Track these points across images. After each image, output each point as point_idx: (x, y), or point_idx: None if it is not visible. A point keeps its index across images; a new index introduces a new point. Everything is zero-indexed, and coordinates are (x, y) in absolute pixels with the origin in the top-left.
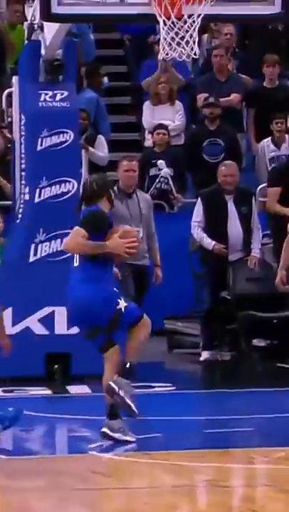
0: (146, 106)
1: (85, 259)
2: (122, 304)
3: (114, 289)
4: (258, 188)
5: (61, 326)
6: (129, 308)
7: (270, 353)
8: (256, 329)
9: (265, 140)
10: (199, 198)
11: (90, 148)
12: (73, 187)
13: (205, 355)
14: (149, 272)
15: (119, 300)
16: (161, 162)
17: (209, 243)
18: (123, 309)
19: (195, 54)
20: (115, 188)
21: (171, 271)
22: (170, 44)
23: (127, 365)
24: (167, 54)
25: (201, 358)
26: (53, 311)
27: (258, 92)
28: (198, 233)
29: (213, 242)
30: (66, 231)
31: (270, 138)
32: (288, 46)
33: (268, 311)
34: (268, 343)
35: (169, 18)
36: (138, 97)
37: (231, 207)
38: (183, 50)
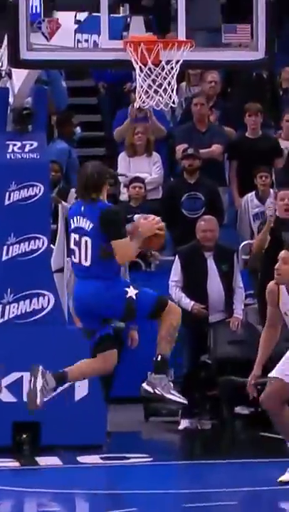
0: (122, 157)
1: (99, 257)
2: (132, 291)
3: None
4: (241, 245)
5: None
6: (141, 294)
7: (253, 421)
8: (239, 396)
9: (249, 194)
10: (177, 256)
11: (64, 202)
12: (43, 244)
13: (184, 423)
14: (124, 335)
15: (127, 289)
16: (138, 216)
17: (188, 303)
18: (134, 296)
19: (173, 102)
20: None
21: (148, 333)
22: (147, 92)
23: (158, 358)
24: (144, 102)
25: (180, 427)
26: (22, 377)
27: (241, 143)
28: (176, 293)
29: (192, 303)
30: (36, 291)
31: (254, 192)
32: (273, 94)
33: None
34: (252, 410)
35: (145, 65)
36: (113, 148)
37: (211, 264)
38: (160, 99)
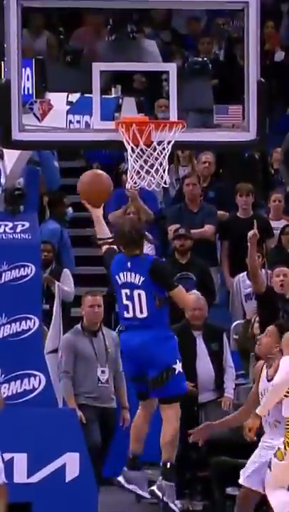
0: None
1: (155, 307)
2: (178, 366)
3: None
4: (233, 325)
5: (21, 474)
6: (179, 377)
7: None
8: (230, 476)
9: (241, 275)
10: None
11: (57, 282)
12: (34, 324)
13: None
14: (115, 415)
15: (177, 359)
16: None
17: None
18: (176, 372)
19: (165, 183)
20: (79, 325)
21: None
22: (138, 172)
23: (168, 466)
24: (135, 183)
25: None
26: (12, 458)
27: (232, 223)
28: None
29: None
30: (27, 371)
31: (245, 272)
32: (265, 175)
33: (242, 456)
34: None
35: (137, 146)
36: None
37: (200, 343)
38: (152, 179)
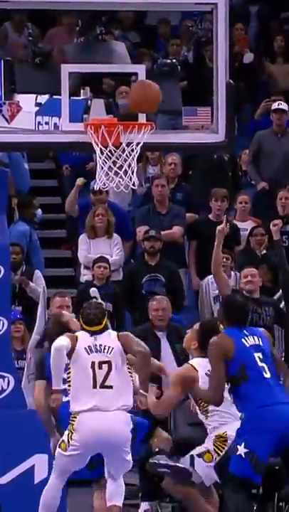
0: (82, 239)
1: None
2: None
3: None
4: None
5: None
6: None
7: None
8: None
9: (210, 277)
10: None
11: (31, 283)
12: (3, 326)
13: (144, 506)
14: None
15: None
16: (93, 290)
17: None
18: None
19: (134, 184)
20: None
21: None
22: (107, 174)
23: None
24: (104, 184)
25: (140, 510)
26: None
27: (201, 225)
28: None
29: None
30: None
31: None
32: (234, 177)
33: None
34: None
35: (106, 147)
36: (73, 230)
37: (165, 344)
38: (121, 181)
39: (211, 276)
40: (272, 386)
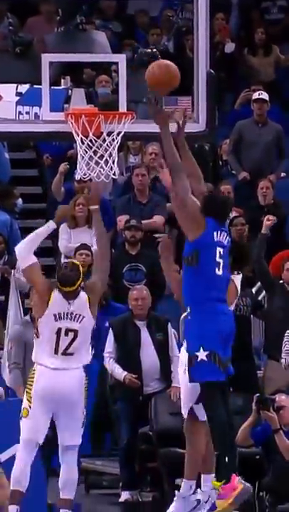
0: (63, 229)
1: None
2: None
3: None
4: (182, 316)
5: None
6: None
7: None
8: (179, 468)
9: None
10: (110, 327)
11: (15, 273)
12: None
13: (125, 495)
14: None
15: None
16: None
17: (120, 374)
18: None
19: (114, 174)
20: (28, 317)
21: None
22: (88, 163)
23: None
24: (85, 174)
25: (121, 499)
26: None
27: None
28: (110, 364)
29: (125, 373)
30: None
31: None
32: (215, 166)
33: None
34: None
35: (87, 137)
36: None
37: (144, 333)
38: (101, 170)
39: None
40: (221, 283)
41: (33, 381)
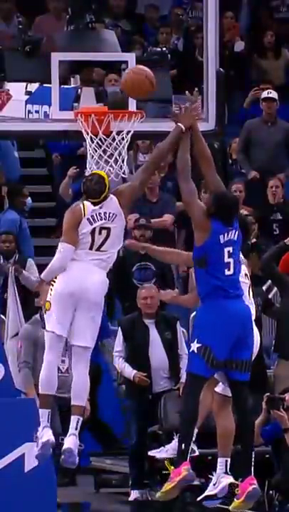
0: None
1: None
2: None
3: None
4: (192, 315)
5: None
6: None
7: (204, 491)
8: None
9: None
10: (119, 326)
11: (24, 272)
12: None
13: (134, 494)
14: None
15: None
16: None
17: (130, 372)
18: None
19: (124, 173)
20: (38, 316)
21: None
22: (98, 162)
23: None
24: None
25: (130, 498)
26: None
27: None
28: (119, 363)
29: (134, 372)
30: None
31: None
32: (224, 165)
33: (201, 446)
34: (202, 481)
35: (96, 135)
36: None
37: (153, 332)
38: (111, 169)
39: None
40: (231, 282)
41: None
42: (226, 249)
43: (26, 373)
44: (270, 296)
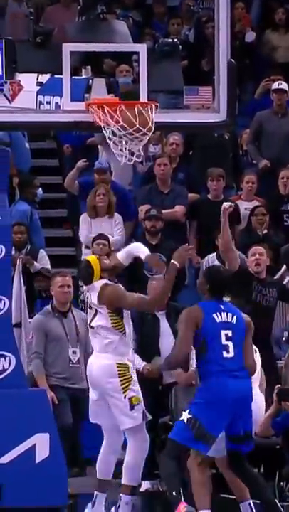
0: (83, 219)
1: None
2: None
3: None
4: None
5: None
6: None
7: (214, 482)
8: None
9: (210, 255)
10: None
11: (35, 263)
12: (4, 305)
13: (145, 485)
14: (87, 396)
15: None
16: None
17: (139, 364)
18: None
19: (138, 157)
20: (49, 306)
21: None
22: (116, 146)
23: None
24: (120, 150)
25: (141, 489)
26: None
27: (202, 204)
28: None
29: (143, 364)
30: None
31: (214, 253)
32: (235, 156)
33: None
34: (213, 472)
35: (109, 125)
36: (75, 209)
37: (164, 323)
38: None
39: (212, 255)
40: (229, 365)
41: None
42: (222, 332)
43: (37, 364)
44: (285, 282)
